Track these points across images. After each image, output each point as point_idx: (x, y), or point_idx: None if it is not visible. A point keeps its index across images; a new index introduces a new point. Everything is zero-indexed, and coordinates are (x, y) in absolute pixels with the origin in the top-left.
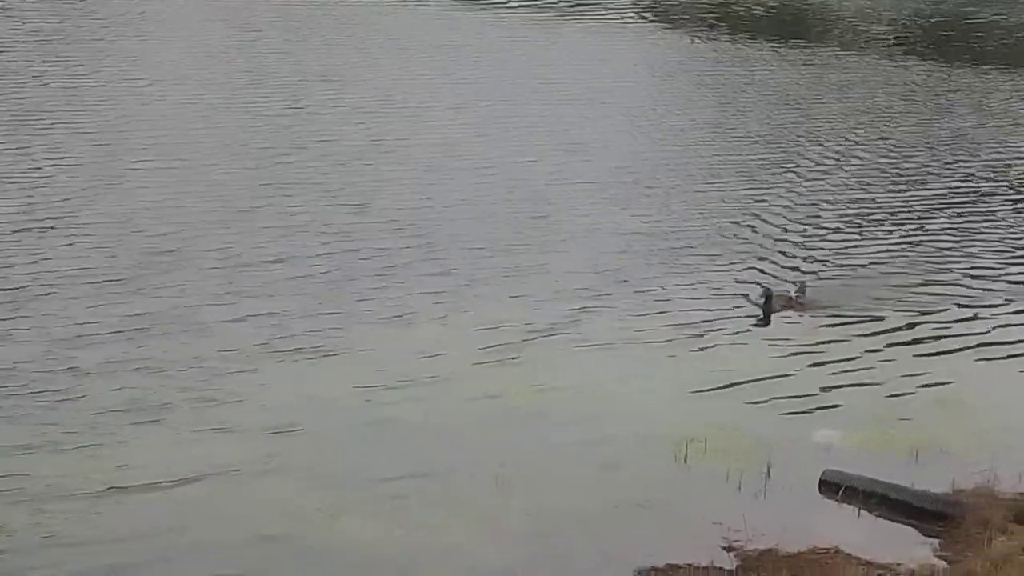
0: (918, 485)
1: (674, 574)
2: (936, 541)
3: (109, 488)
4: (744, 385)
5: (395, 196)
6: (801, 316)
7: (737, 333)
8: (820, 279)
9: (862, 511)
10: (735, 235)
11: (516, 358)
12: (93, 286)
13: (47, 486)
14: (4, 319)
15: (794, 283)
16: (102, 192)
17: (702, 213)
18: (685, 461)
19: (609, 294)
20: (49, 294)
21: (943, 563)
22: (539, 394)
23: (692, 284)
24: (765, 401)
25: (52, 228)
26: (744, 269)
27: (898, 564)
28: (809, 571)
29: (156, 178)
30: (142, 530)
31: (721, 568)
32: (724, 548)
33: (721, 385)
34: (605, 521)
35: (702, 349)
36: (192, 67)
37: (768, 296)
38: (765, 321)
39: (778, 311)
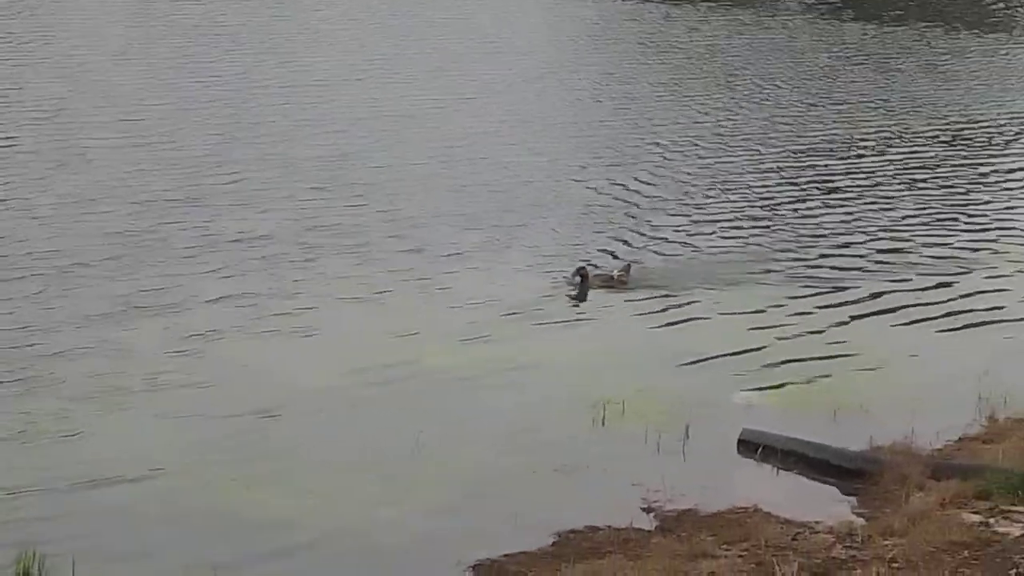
0: (836, 443)
1: (593, 536)
2: (854, 498)
3: (81, 477)
4: (663, 349)
5: (360, 170)
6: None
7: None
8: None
9: (781, 470)
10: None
11: (447, 332)
12: (60, 270)
13: (16, 474)
14: None
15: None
16: (63, 173)
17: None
18: (603, 424)
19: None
20: (16, 279)
21: (861, 520)
22: (462, 362)
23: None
24: (686, 364)
25: (10, 210)
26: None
27: (817, 521)
28: (728, 530)
29: (116, 158)
30: (115, 518)
31: (640, 528)
32: (644, 509)
33: (638, 350)
34: (523, 485)
35: (625, 318)
36: (149, 40)
37: (583, 274)
38: (580, 297)
39: (597, 288)
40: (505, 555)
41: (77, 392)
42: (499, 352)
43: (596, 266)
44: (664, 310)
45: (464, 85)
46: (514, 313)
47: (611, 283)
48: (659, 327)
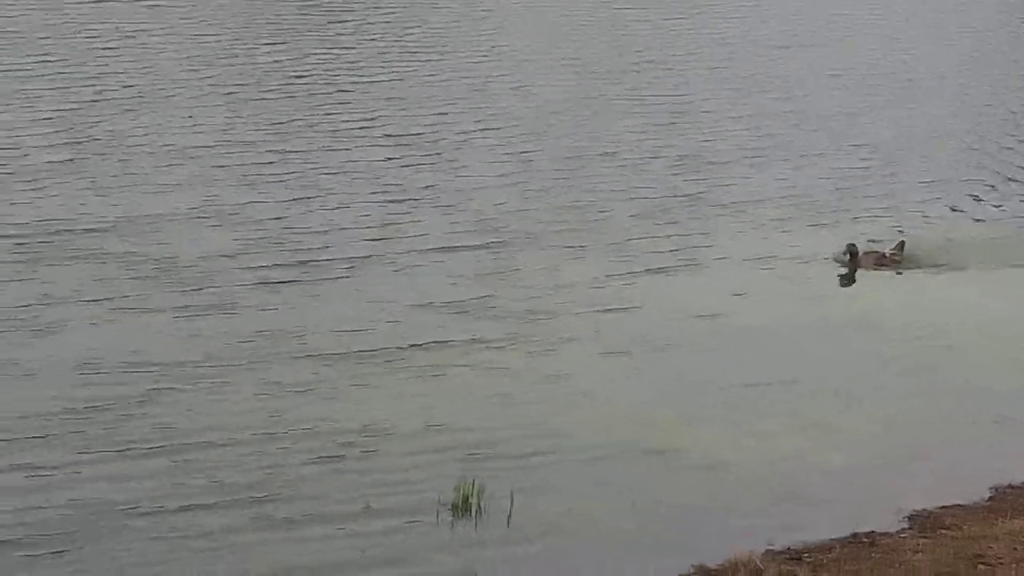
0: None
1: None
2: None
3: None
4: None
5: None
6: None
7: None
8: None
9: None
10: None
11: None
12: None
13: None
14: None
15: None
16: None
17: None
18: None
19: None
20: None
21: None
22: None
23: None
24: None
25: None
26: None
27: None
28: None
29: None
30: (566, 458)
31: None
32: None
33: None
34: (961, 436)
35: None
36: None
37: (852, 252)
38: (848, 278)
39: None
40: (941, 506)
41: (584, 346)
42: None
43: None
44: None
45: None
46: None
47: (883, 261)
48: None
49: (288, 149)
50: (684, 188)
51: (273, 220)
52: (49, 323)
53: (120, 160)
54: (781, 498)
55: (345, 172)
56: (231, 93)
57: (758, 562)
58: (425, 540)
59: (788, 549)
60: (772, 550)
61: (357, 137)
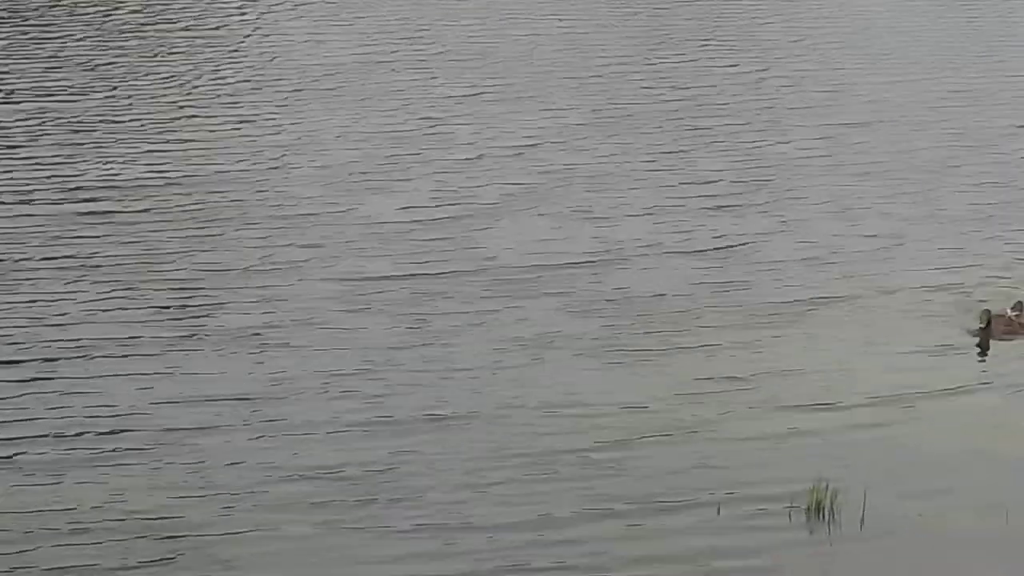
0: None
1: None
2: None
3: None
4: None
5: None
6: None
7: None
8: None
9: None
10: None
11: None
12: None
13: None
14: None
15: None
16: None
17: None
18: None
19: None
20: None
21: None
22: None
23: None
24: None
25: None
26: None
27: None
28: None
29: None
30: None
31: None
32: None
33: None
34: None
35: None
36: None
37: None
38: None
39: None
40: None
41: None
42: None
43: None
44: None
45: None
46: None
47: (1011, 327)
48: None
49: (763, 178)
50: None
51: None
52: (521, 364)
53: (585, 190)
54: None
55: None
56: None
57: None
58: (775, 539)
59: None
60: None
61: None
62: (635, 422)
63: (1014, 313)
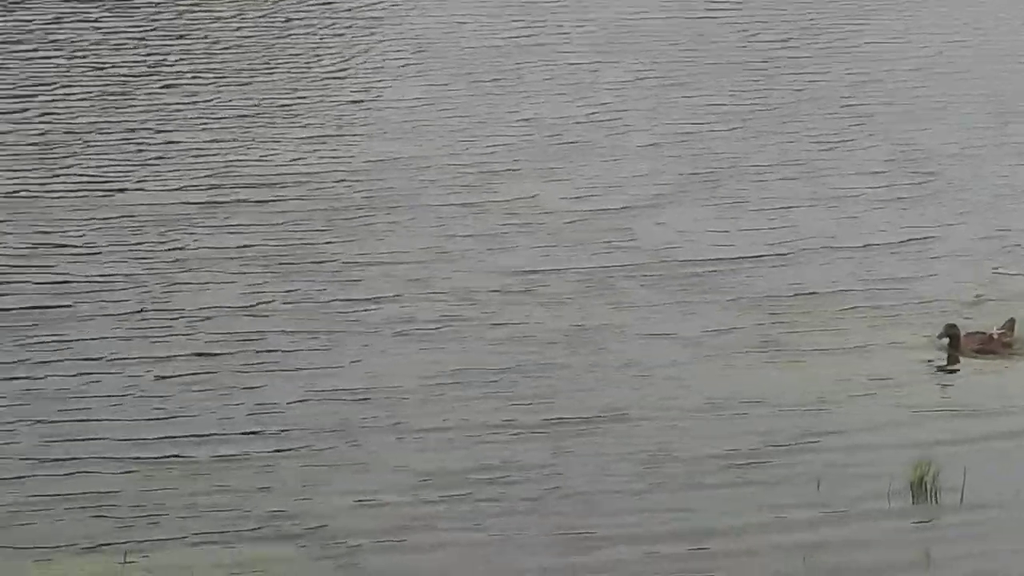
0: None
1: None
2: None
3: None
4: None
5: None
6: None
7: None
8: None
9: None
10: None
11: None
12: None
13: None
14: None
15: None
16: None
17: None
18: None
19: None
20: None
21: None
22: None
23: None
24: None
25: None
26: None
27: None
28: None
29: None
30: None
31: None
32: None
33: None
34: None
35: None
36: None
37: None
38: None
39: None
40: None
41: None
42: None
43: None
44: None
45: None
46: None
47: (989, 345)
48: None
49: (930, 168)
50: None
51: None
52: (685, 362)
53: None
54: None
55: None
56: None
57: None
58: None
59: None
60: None
61: None
62: (804, 423)
63: (1000, 331)
